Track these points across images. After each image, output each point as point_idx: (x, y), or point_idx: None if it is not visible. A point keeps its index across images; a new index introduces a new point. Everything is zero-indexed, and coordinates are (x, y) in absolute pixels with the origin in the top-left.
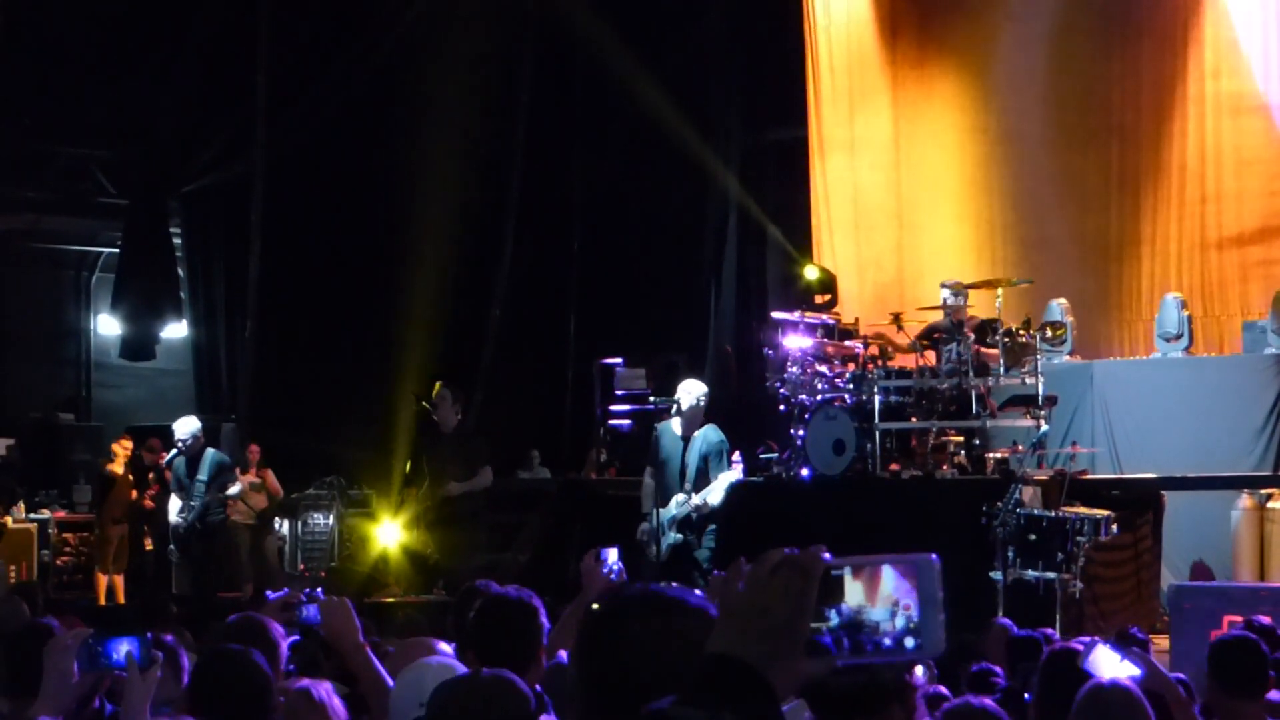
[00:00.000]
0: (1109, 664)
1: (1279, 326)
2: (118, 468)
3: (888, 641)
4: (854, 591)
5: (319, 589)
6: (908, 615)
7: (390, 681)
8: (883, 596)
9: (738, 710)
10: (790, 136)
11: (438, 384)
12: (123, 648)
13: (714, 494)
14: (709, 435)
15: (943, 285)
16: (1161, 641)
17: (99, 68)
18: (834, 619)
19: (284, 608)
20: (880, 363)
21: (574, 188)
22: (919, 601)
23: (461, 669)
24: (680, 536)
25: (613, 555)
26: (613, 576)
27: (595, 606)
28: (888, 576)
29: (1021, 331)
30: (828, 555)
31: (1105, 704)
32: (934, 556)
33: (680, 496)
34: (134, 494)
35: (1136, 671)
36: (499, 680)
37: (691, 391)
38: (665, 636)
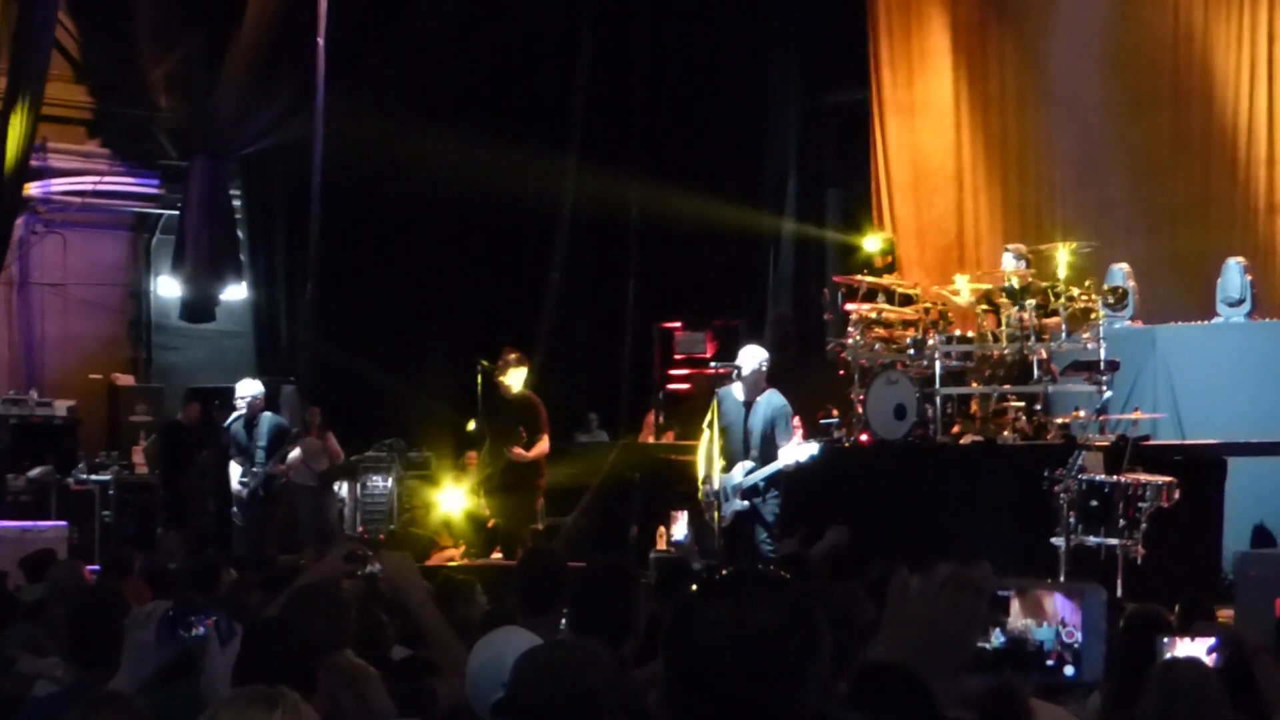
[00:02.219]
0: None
1: None
2: None
3: (1049, 662)
4: (1018, 611)
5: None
6: (1072, 641)
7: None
8: (1051, 616)
9: (901, 717)
10: (851, 99)
11: (504, 349)
12: (203, 622)
13: (792, 457)
14: (772, 400)
15: (1006, 249)
16: (1225, 611)
17: (161, 29)
18: (999, 638)
19: (348, 559)
20: (941, 327)
21: (633, 152)
22: (1083, 628)
23: (536, 639)
24: (746, 503)
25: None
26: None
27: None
28: (1055, 600)
29: (1083, 296)
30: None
31: (1176, 680)
32: (1101, 588)
33: (746, 464)
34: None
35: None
36: (585, 647)
37: (754, 356)
38: (736, 625)
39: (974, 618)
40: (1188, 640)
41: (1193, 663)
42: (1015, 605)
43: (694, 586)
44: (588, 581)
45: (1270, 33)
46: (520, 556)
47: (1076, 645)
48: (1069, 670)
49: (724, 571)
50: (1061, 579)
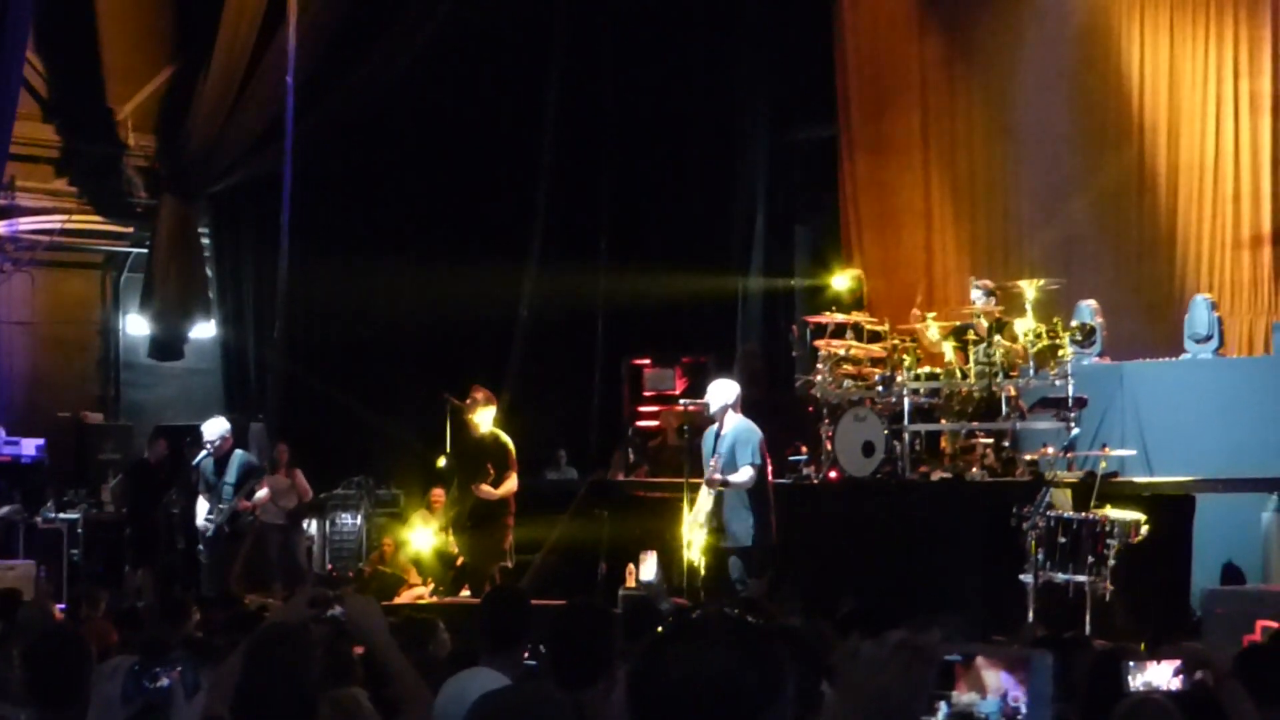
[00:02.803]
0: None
1: None
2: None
3: None
4: (965, 681)
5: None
6: (1016, 708)
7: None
8: (993, 688)
9: None
10: (819, 136)
11: (472, 387)
12: (168, 674)
13: (737, 475)
14: (739, 425)
15: (974, 285)
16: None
17: (129, 67)
18: (944, 709)
19: (312, 604)
20: (909, 364)
21: (602, 188)
22: (1029, 697)
23: (504, 680)
24: (705, 531)
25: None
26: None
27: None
28: (999, 669)
29: (1050, 333)
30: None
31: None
32: (1049, 654)
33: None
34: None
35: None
36: (541, 692)
37: (725, 391)
38: (699, 668)
39: (921, 687)
40: (1154, 664)
41: (1156, 702)
42: (962, 673)
43: (659, 630)
44: (565, 622)
45: (1235, 69)
46: (485, 594)
47: (1021, 715)
48: None
49: (691, 613)
50: (1029, 617)
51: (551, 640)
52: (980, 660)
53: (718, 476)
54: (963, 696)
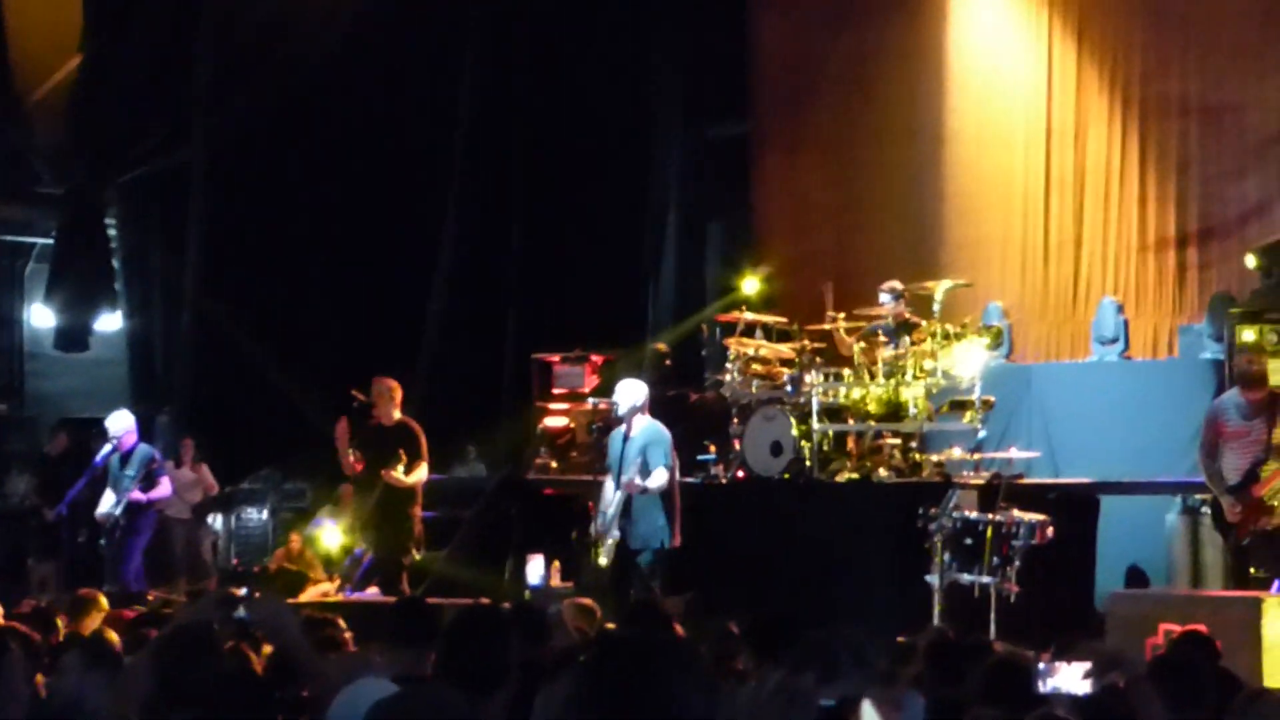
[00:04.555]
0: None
1: (1215, 331)
2: None
3: None
4: None
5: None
6: None
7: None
8: None
9: None
10: (733, 133)
11: (374, 380)
12: None
13: (653, 479)
14: (648, 428)
15: (882, 287)
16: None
17: (37, 55)
18: None
19: (219, 604)
20: (818, 364)
21: (515, 183)
22: None
23: (392, 688)
24: (619, 532)
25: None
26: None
27: (583, 658)
28: (877, 710)
29: (958, 334)
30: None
31: None
32: (919, 695)
33: (619, 494)
34: None
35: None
36: (436, 696)
37: (632, 392)
38: (596, 687)
39: None
40: (1065, 665)
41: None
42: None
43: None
44: (459, 628)
45: (1144, 74)
46: (395, 599)
47: None
48: None
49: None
50: (935, 618)
51: (445, 648)
52: (859, 703)
53: (638, 482)
54: None
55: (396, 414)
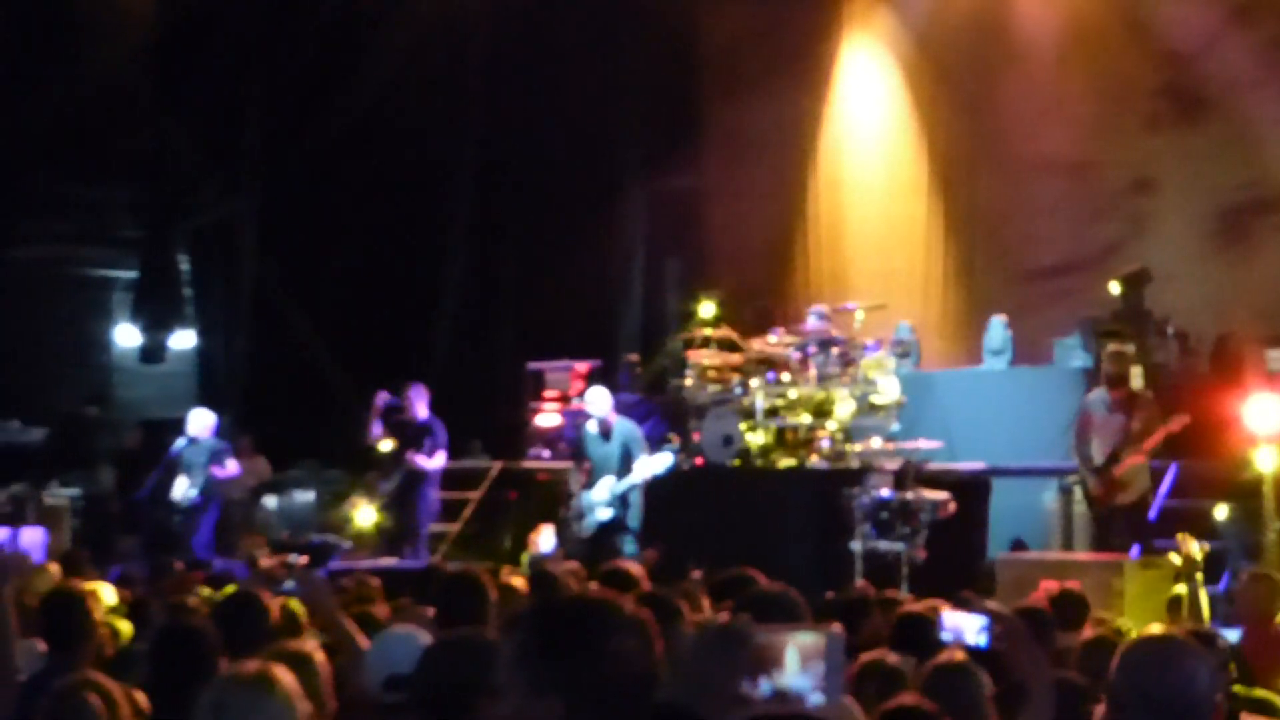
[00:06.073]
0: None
1: (1084, 344)
2: None
3: (803, 699)
4: (778, 660)
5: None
6: (817, 677)
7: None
8: (801, 664)
9: None
10: (685, 185)
11: (409, 382)
12: None
13: (650, 469)
14: (624, 427)
15: (810, 310)
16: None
17: (119, 120)
18: (765, 687)
19: (269, 578)
20: (761, 372)
21: (510, 225)
22: (828, 668)
23: (425, 636)
24: (611, 513)
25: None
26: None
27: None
28: (801, 644)
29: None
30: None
31: (948, 675)
32: (840, 630)
33: (611, 480)
34: None
35: (984, 620)
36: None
37: (602, 397)
38: (579, 644)
39: (738, 666)
40: (963, 613)
41: (961, 666)
42: (780, 653)
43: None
44: (448, 586)
45: (1032, 130)
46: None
47: (824, 684)
48: (816, 698)
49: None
50: (858, 580)
51: (438, 603)
52: (789, 641)
53: (646, 473)
54: (781, 675)
55: (424, 411)
